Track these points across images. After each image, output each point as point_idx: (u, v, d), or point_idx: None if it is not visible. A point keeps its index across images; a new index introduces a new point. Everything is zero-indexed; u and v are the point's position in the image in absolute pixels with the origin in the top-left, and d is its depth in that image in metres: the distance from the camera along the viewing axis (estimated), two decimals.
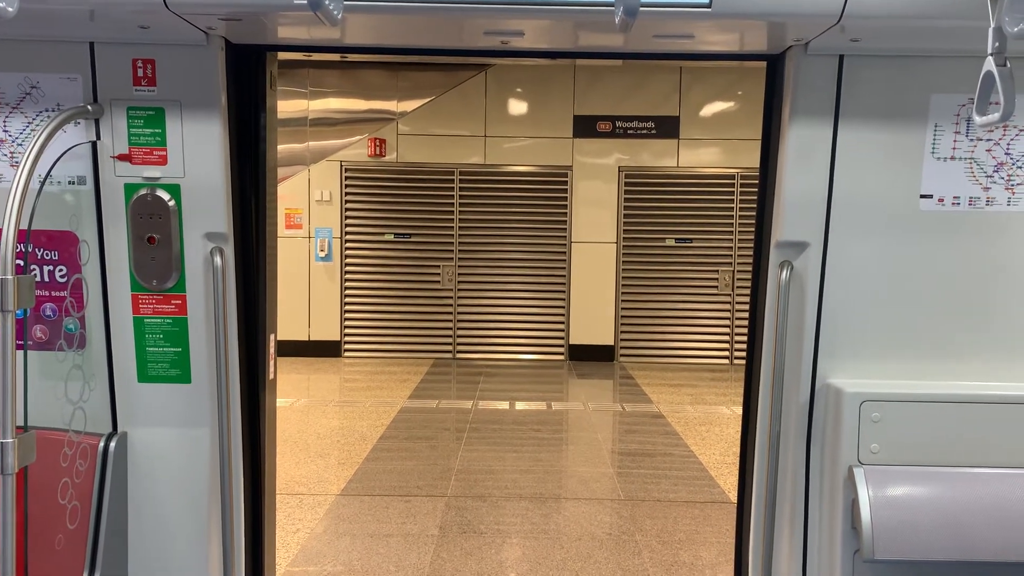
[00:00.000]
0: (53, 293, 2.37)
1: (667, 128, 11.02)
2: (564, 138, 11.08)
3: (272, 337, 2.71)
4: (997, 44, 1.55)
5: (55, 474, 2.28)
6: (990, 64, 1.56)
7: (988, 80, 1.58)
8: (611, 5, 1.60)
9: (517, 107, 11.16)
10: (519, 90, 11.12)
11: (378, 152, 11.06)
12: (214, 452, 2.44)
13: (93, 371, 2.42)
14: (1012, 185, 2.34)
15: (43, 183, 2.28)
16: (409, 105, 10.97)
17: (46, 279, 2.37)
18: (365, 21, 2.11)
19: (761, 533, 2.46)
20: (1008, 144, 2.32)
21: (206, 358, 2.41)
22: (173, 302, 2.39)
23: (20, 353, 2.20)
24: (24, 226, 2.11)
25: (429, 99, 10.96)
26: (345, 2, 1.52)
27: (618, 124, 11.03)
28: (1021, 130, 2.32)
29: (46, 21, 2.11)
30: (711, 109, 11.04)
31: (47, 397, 2.34)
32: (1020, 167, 2.33)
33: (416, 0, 1.95)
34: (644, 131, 11.03)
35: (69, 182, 2.35)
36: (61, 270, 2.37)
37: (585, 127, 11.06)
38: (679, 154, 11.06)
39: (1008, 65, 1.55)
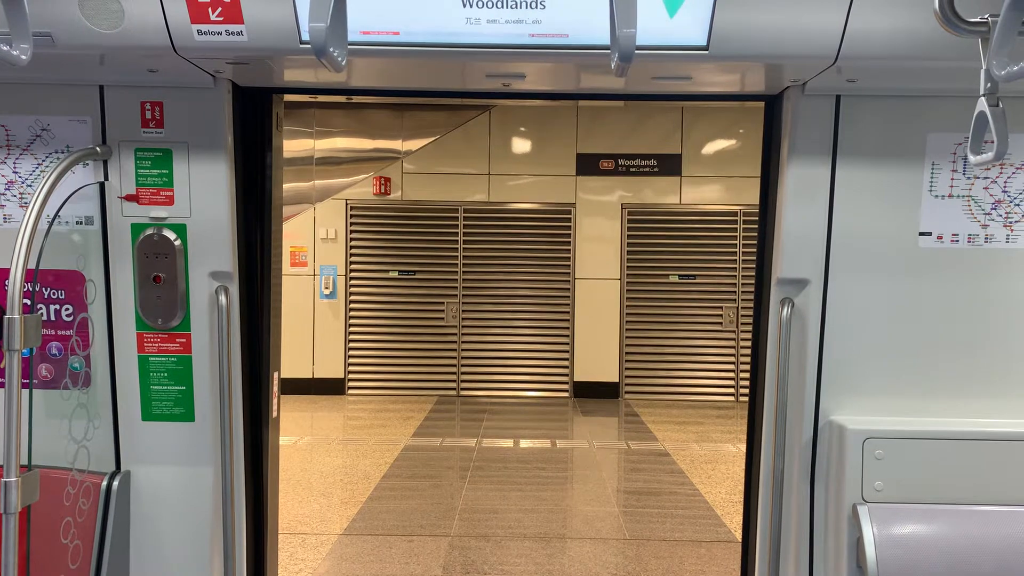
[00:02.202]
0: (59, 332, 2.39)
1: (669, 166, 11.09)
2: (567, 176, 11.15)
3: (276, 375, 2.72)
4: (989, 85, 1.57)
5: (58, 513, 2.28)
6: (983, 104, 1.59)
7: (981, 120, 1.61)
8: (608, 48, 1.63)
9: (520, 146, 11.25)
10: (522, 129, 11.22)
11: (383, 190, 11.14)
12: (217, 491, 2.44)
13: (97, 410, 2.43)
14: (1010, 222, 2.35)
15: (51, 223, 2.31)
16: (414, 144, 11.08)
17: (52, 318, 2.39)
18: (369, 65, 2.15)
19: (767, 573, 2.43)
20: (1005, 182, 2.35)
21: (210, 396, 2.42)
22: (178, 340, 2.41)
23: (25, 391, 2.21)
24: (32, 265, 2.13)
25: (434, 138, 11.07)
26: (349, 47, 1.56)
27: (621, 162, 11.10)
28: (1018, 168, 2.35)
29: (57, 65, 2.15)
30: (713, 147, 11.12)
31: (51, 435, 2.35)
32: (1018, 204, 2.35)
33: (419, 44, 1.99)
34: (647, 169, 11.10)
35: (77, 222, 2.38)
36: (67, 309, 2.39)
37: (588, 165, 11.13)
38: (682, 191, 11.12)
39: (1001, 105, 1.58)
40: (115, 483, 2.39)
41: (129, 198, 2.35)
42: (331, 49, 1.42)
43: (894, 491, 2.29)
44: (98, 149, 2.30)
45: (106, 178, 2.35)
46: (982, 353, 2.39)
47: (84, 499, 2.34)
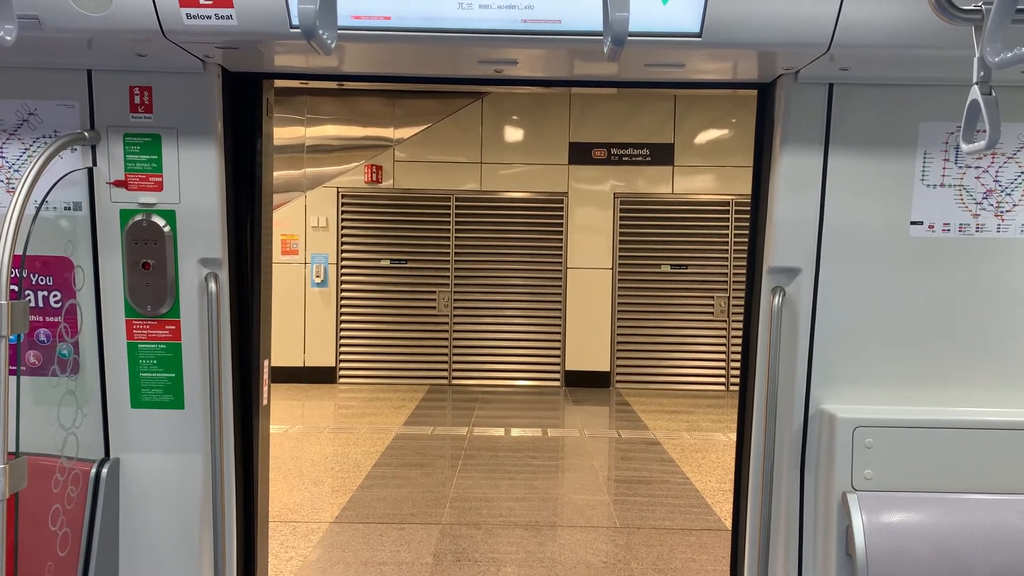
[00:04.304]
0: (47, 318, 2.37)
1: (662, 155, 11.08)
2: (560, 165, 11.13)
3: (266, 363, 2.71)
4: (982, 73, 1.57)
5: (46, 500, 2.27)
6: (976, 93, 1.59)
7: (974, 108, 1.60)
8: (601, 35, 1.62)
9: (513, 134, 11.22)
10: (515, 117, 11.19)
11: (375, 178, 11.10)
12: (207, 479, 2.43)
13: (86, 397, 2.41)
14: (1001, 212, 2.36)
15: (39, 209, 2.29)
16: (406, 132, 11.04)
17: (40, 304, 2.37)
18: (360, 50, 2.13)
19: (756, 561, 2.44)
20: (996, 171, 2.35)
21: (200, 384, 2.41)
22: (167, 328, 2.40)
23: (12, 378, 2.20)
24: (19, 251, 2.11)
25: (425, 126, 11.03)
26: (339, 31, 1.54)
27: (613, 151, 11.09)
28: (1010, 157, 2.35)
29: (44, 49, 2.13)
30: (705, 137, 11.11)
31: (39, 423, 2.33)
32: (1009, 194, 2.35)
33: (410, 30, 1.98)
34: (639, 158, 11.09)
35: (65, 208, 2.36)
36: (55, 295, 2.37)
37: (580, 154, 11.11)
38: (674, 181, 11.12)
39: (993, 94, 1.57)
40: (104, 470, 2.38)
41: (118, 184, 2.33)
42: (320, 32, 1.41)
43: (883, 479, 2.30)
44: (86, 134, 2.28)
45: (94, 163, 2.33)
46: (972, 342, 2.40)
47: (73, 487, 2.33)
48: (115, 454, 2.43)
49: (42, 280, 2.37)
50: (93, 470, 2.38)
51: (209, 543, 2.45)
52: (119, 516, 2.43)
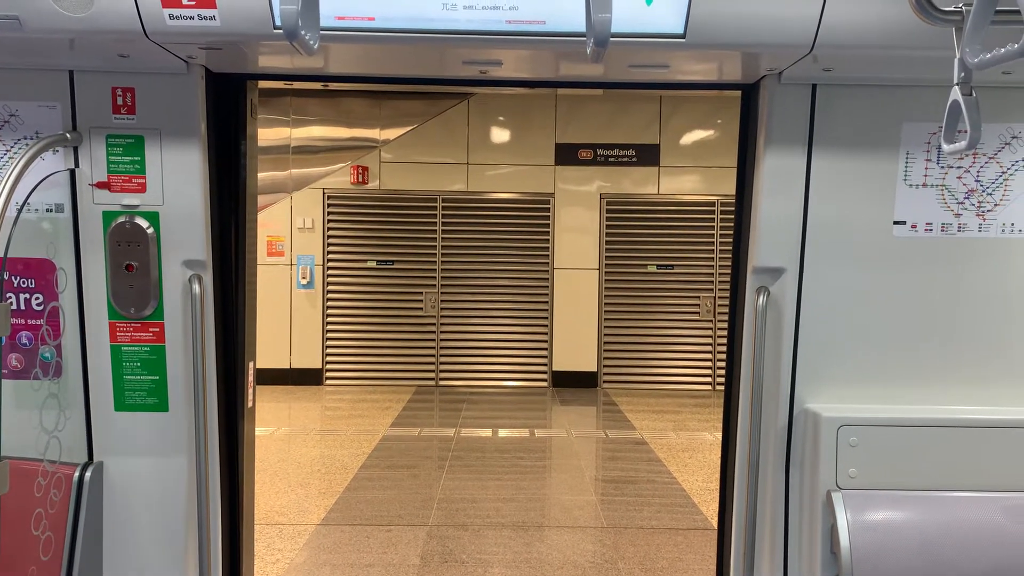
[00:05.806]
0: (29, 321, 2.35)
1: (648, 156, 11.11)
2: (546, 166, 11.14)
3: (251, 365, 2.70)
4: (963, 74, 1.58)
5: (29, 504, 2.25)
6: (956, 93, 1.60)
7: (955, 109, 1.62)
8: (584, 36, 1.62)
9: (499, 135, 11.22)
10: (501, 118, 11.19)
11: (361, 179, 11.07)
12: (191, 482, 2.42)
13: (69, 400, 2.40)
14: (982, 211, 2.38)
15: (20, 210, 2.27)
16: (392, 133, 11.01)
17: (22, 307, 2.35)
18: (345, 51, 2.13)
19: (742, 559, 2.45)
20: (978, 171, 2.37)
21: (184, 386, 2.39)
22: (151, 330, 2.38)
23: None
24: (0, 254, 2.10)
25: (412, 127, 11.01)
26: (322, 32, 1.54)
27: (599, 152, 11.11)
28: (990, 158, 2.37)
29: (25, 50, 2.11)
30: (691, 137, 11.15)
31: (22, 426, 2.31)
32: (990, 194, 2.37)
33: (394, 30, 1.97)
34: (625, 159, 11.11)
35: (47, 209, 2.34)
36: (38, 298, 2.35)
37: (567, 155, 11.13)
38: (660, 181, 11.15)
39: (974, 94, 1.59)
40: (87, 474, 2.36)
41: (100, 185, 2.32)
42: (303, 32, 1.40)
43: (868, 478, 2.31)
44: (68, 136, 2.27)
45: (77, 165, 2.32)
46: (954, 341, 2.42)
47: (56, 490, 2.31)
48: (99, 457, 2.41)
49: (24, 283, 2.35)
50: (76, 473, 2.36)
51: (194, 546, 2.44)
52: (103, 520, 2.41)
